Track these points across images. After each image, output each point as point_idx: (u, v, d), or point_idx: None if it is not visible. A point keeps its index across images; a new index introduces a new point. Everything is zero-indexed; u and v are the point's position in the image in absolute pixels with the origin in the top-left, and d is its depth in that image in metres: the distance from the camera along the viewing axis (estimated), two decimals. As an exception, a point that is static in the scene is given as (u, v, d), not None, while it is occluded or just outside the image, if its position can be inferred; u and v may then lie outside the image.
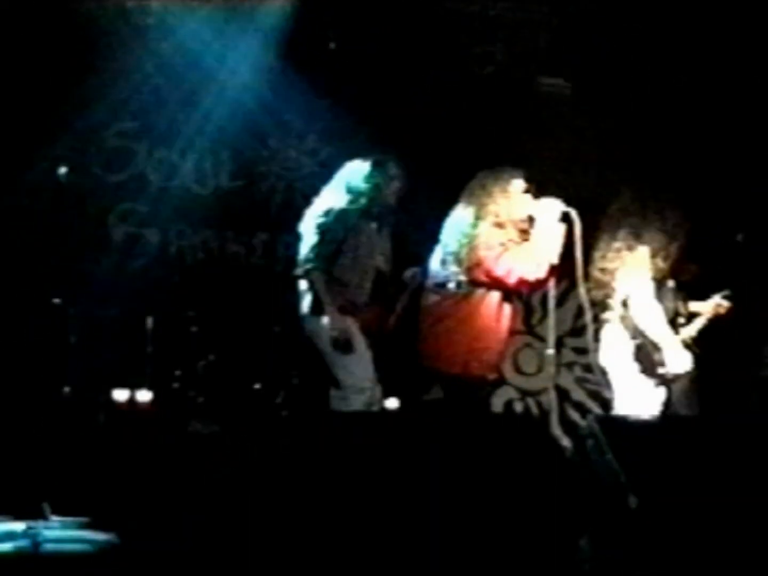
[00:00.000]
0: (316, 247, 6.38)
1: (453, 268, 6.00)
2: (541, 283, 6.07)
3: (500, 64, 8.64)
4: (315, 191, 8.59)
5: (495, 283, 5.94)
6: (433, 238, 6.33)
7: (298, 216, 8.61)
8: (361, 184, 6.44)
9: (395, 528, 4.47)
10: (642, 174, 8.54)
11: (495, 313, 6.01)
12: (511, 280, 5.92)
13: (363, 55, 8.29)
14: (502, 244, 5.96)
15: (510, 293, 6.09)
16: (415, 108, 8.34)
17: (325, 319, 6.28)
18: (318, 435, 5.08)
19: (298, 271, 6.46)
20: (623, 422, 5.23)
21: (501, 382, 6.62)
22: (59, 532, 5.15)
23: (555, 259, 5.95)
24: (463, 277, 5.99)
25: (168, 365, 7.75)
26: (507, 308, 6.08)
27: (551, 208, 5.99)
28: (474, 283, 5.95)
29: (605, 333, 6.37)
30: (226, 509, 5.00)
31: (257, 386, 7.72)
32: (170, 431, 6.95)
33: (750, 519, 4.46)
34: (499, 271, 5.91)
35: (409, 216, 7.15)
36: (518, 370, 8.78)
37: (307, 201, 8.63)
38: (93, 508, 5.50)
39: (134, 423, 7.16)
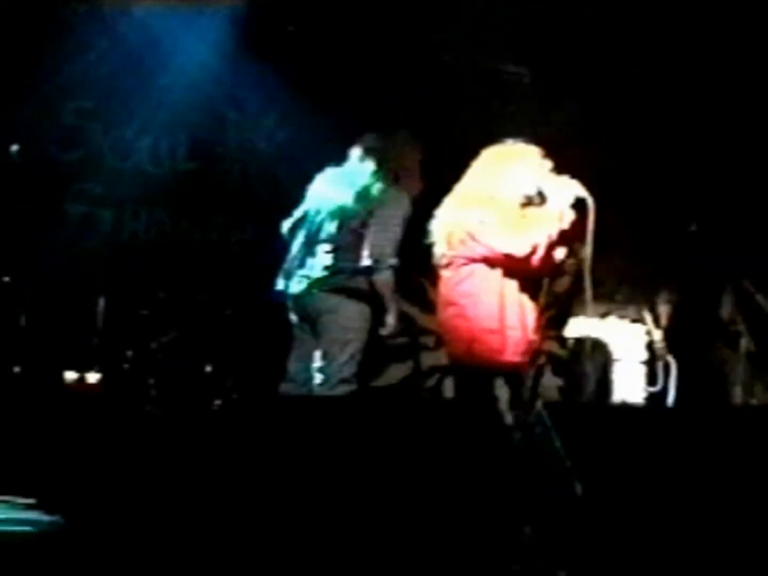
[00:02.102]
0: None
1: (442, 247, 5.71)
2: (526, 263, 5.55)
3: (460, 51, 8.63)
4: (271, 174, 8.66)
5: (484, 260, 5.61)
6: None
7: (254, 198, 8.65)
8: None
9: (340, 512, 4.47)
10: (602, 160, 8.57)
11: (496, 292, 5.58)
12: (492, 255, 5.53)
13: (322, 37, 8.26)
14: (490, 220, 5.62)
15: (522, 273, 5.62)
16: (374, 92, 8.31)
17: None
18: (268, 418, 5.07)
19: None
20: (571, 409, 5.23)
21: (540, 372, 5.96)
22: (4, 513, 5.13)
23: (540, 240, 5.51)
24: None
25: (119, 346, 7.71)
26: (511, 287, 5.61)
27: (565, 189, 5.59)
28: (473, 261, 5.65)
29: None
30: (174, 491, 4.98)
31: (208, 369, 7.70)
32: (120, 413, 6.91)
33: (696, 507, 4.49)
34: (481, 247, 5.61)
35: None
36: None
37: (263, 183, 8.69)
38: (39, 490, 5.48)
39: (84, 404, 7.11)
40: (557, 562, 4.53)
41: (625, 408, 6.00)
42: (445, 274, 5.71)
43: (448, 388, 8.64)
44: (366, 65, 8.28)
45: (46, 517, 5.11)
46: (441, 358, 8.81)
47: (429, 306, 8.86)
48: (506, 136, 7.08)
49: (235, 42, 8.13)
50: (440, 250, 5.70)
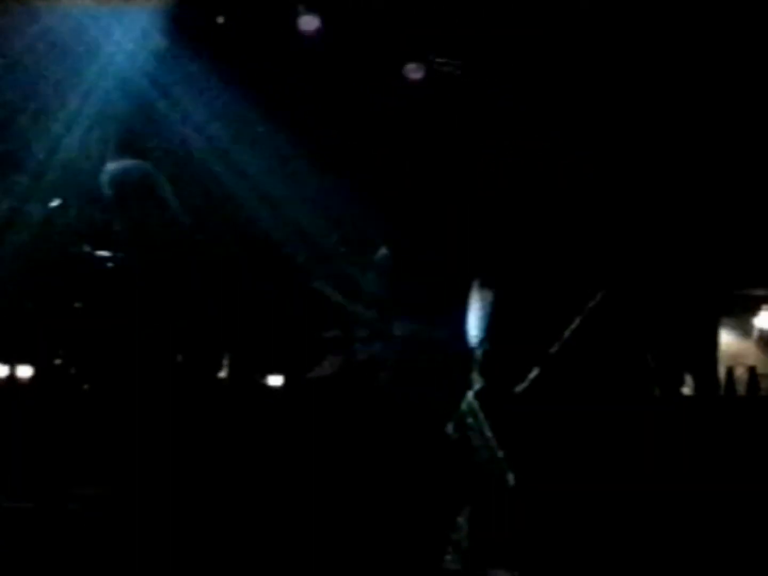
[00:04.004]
0: None
1: None
2: None
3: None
4: (203, 167, 8.61)
5: None
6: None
7: (184, 191, 8.58)
8: None
9: (272, 500, 4.47)
10: (535, 154, 8.59)
11: None
12: None
13: (251, 29, 8.23)
14: None
15: None
16: (303, 85, 8.30)
17: None
18: (204, 408, 5.06)
19: None
20: (502, 400, 5.26)
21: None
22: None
23: None
24: None
25: (50, 341, 7.62)
26: None
27: None
28: None
29: None
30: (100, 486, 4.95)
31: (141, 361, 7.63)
32: (51, 408, 6.85)
33: (622, 493, 4.54)
34: None
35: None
36: (406, 348, 8.82)
37: (193, 176, 8.63)
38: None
39: (14, 399, 7.04)
40: (489, 549, 4.57)
41: (558, 400, 6.04)
42: None
43: (383, 379, 8.70)
44: (296, 57, 8.26)
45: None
46: (375, 350, 8.86)
47: (362, 297, 8.91)
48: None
49: (165, 33, 8.07)
50: None
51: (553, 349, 6.28)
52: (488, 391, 6.14)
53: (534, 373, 6.34)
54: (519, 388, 6.18)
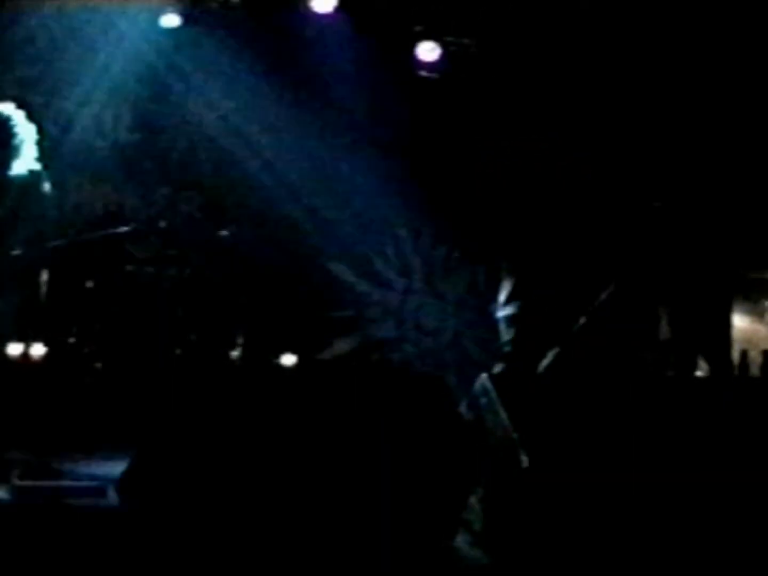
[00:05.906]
0: None
1: None
2: None
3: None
4: (215, 145, 8.60)
5: None
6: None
7: (199, 169, 8.59)
8: None
9: (284, 480, 4.47)
10: (551, 132, 8.56)
11: None
12: None
13: (265, 8, 8.21)
14: None
15: None
16: (320, 65, 8.28)
17: None
18: (214, 387, 5.06)
19: None
20: (516, 381, 5.26)
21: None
22: None
23: None
24: None
25: (63, 320, 7.64)
26: None
27: None
28: None
29: None
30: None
31: (155, 341, 7.66)
32: (64, 386, 6.87)
33: (636, 474, 4.54)
34: None
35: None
36: (419, 327, 8.83)
37: (208, 154, 8.63)
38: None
39: (28, 377, 7.05)
40: (503, 530, 4.57)
41: (569, 380, 6.03)
42: None
43: (395, 359, 8.70)
44: (311, 36, 8.23)
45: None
46: (388, 330, 8.87)
47: (376, 278, 8.91)
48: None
49: (178, 13, 8.06)
50: None
51: (576, 327, 6.29)
52: (504, 372, 6.16)
53: (555, 350, 6.37)
54: (541, 365, 6.22)
